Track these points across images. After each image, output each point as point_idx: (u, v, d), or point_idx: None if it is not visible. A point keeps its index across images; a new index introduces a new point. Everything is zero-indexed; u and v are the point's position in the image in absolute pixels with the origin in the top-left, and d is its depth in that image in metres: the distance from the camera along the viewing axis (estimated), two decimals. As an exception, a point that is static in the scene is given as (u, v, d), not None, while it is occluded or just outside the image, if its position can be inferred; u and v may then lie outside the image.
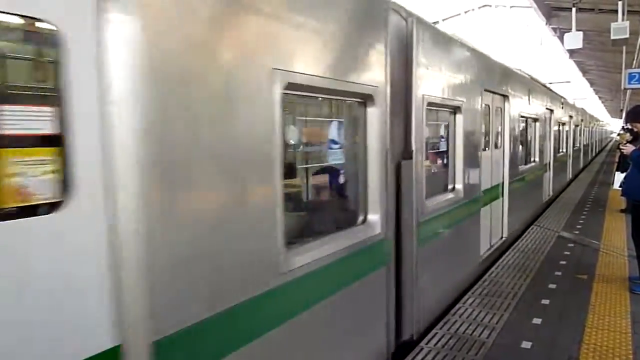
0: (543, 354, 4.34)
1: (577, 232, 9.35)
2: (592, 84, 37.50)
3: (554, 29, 16.76)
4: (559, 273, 6.69)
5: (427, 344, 4.52)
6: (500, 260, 7.35)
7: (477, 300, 5.67)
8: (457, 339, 4.63)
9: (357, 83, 3.55)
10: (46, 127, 1.68)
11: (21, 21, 1.63)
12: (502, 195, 8.05)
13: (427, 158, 5.05)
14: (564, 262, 7.22)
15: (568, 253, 7.77)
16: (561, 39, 14.61)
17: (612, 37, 10.57)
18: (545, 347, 4.47)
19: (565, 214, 11.36)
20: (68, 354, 1.71)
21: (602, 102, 54.76)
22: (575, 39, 11.85)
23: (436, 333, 4.75)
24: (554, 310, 5.35)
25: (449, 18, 12.55)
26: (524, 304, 5.53)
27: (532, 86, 10.36)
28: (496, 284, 6.26)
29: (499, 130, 7.81)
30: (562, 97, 17.04)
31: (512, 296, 5.78)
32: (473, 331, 4.80)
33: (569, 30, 12.29)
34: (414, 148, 4.43)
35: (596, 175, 20.96)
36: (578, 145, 21.74)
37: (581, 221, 10.46)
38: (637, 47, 15.01)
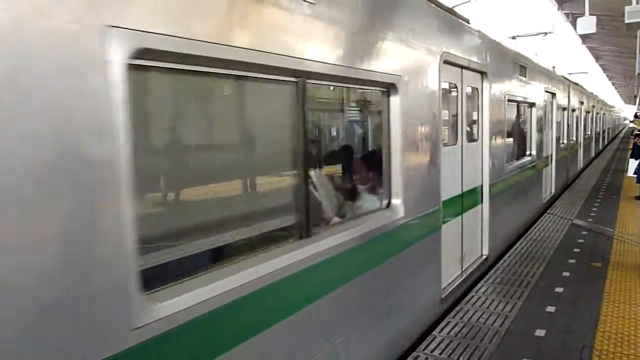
0: (557, 341, 4.31)
1: (591, 219, 9.26)
2: (605, 70, 36.92)
3: (566, 14, 16.47)
4: (573, 261, 6.64)
5: (440, 332, 4.52)
6: (513, 248, 7.32)
7: (490, 288, 5.64)
8: (470, 327, 4.62)
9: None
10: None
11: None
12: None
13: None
14: (577, 250, 7.16)
15: (582, 241, 7.70)
16: (574, 24, 14.36)
17: (626, 21, 10.32)
18: (559, 334, 4.44)
19: (578, 201, 11.25)
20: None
21: (616, 88, 53.92)
22: (588, 23, 11.58)
23: (449, 322, 4.75)
24: (568, 298, 5.31)
25: (458, 5, 12.37)
26: (537, 292, 5.50)
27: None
28: (509, 272, 6.22)
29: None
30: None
31: (525, 284, 5.75)
32: (486, 320, 4.78)
33: (582, 14, 12.05)
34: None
35: (610, 162, 20.71)
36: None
37: (595, 208, 10.36)
38: (652, 31, 14.68)
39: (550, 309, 5.03)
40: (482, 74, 6.19)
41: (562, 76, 14.45)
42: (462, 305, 5.18)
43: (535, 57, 13.03)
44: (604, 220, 9.10)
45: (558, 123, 12.01)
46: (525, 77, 8.40)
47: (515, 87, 7.85)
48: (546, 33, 16.49)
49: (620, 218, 9.35)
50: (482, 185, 6.34)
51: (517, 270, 6.30)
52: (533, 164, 9.29)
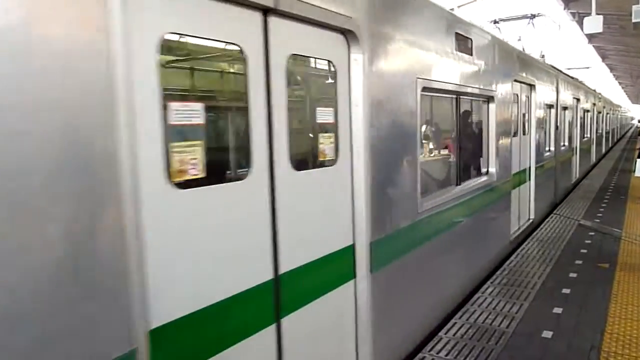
0: (564, 343, 4.29)
1: (598, 220, 9.20)
2: (611, 69, 36.72)
3: (573, 14, 16.39)
4: (580, 262, 6.60)
5: (446, 333, 4.50)
6: (520, 249, 7.28)
7: (496, 289, 5.62)
8: (476, 328, 4.60)
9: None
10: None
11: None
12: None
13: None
14: (584, 251, 7.11)
15: (589, 241, 7.65)
16: (580, 23, 14.29)
17: (634, 20, 10.29)
18: (566, 336, 4.41)
19: (585, 201, 11.18)
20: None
21: (623, 87, 53.62)
22: (595, 23, 11.54)
23: (455, 323, 4.73)
24: (575, 299, 5.28)
25: (464, 5, 12.26)
26: (544, 293, 5.46)
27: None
28: (515, 273, 6.19)
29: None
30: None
31: (532, 285, 5.71)
32: (493, 321, 4.76)
33: (589, 14, 11.99)
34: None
35: (617, 163, 20.58)
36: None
37: (602, 209, 10.29)
38: (660, 30, 14.55)
39: (557, 310, 5.00)
40: (347, 34, 3.28)
41: (550, 65, 11.65)
42: (468, 306, 5.16)
43: (519, 42, 11.27)
44: (611, 221, 9.03)
45: (540, 125, 9.26)
46: (470, 55, 5.45)
47: (446, 69, 4.87)
48: (533, 16, 12.95)
49: (627, 219, 9.28)
50: (353, 246, 3.42)
51: (524, 271, 6.27)
52: (491, 186, 6.29)
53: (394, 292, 3.87)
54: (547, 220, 9.28)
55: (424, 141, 5.77)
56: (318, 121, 3.24)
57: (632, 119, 74.70)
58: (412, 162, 4.15)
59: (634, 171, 13.20)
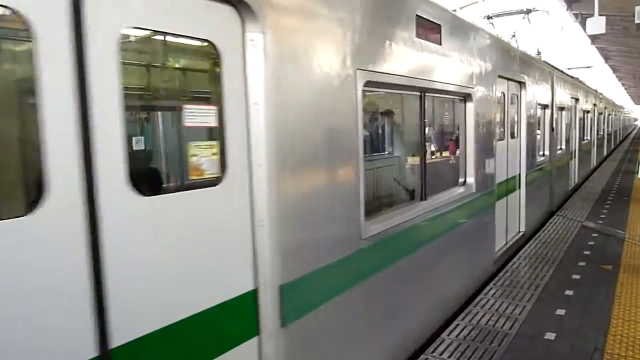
0: (567, 345, 4.27)
1: (601, 221, 9.17)
2: (614, 71, 36.66)
3: (575, 15, 16.36)
4: (583, 263, 6.58)
5: (448, 335, 4.49)
6: (522, 250, 7.26)
7: (498, 291, 5.60)
8: (479, 330, 4.59)
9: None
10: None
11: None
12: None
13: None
14: (588, 253, 7.09)
15: (592, 243, 7.63)
16: (583, 24, 14.27)
17: (637, 21, 10.28)
18: (569, 338, 4.40)
19: (588, 203, 11.15)
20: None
21: (625, 88, 53.51)
22: (597, 24, 11.53)
23: (458, 324, 4.72)
24: (578, 301, 5.26)
25: (466, 6, 12.23)
26: (547, 295, 5.45)
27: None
28: (518, 274, 6.17)
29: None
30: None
31: (534, 287, 5.70)
32: (495, 322, 4.75)
33: (591, 15, 11.98)
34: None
35: (620, 164, 20.52)
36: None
37: (605, 210, 10.26)
38: (663, 31, 14.51)
39: (560, 311, 4.98)
40: (237, 5, 2.40)
41: (544, 62, 10.76)
42: (471, 307, 5.15)
43: (513, 39, 10.77)
44: (614, 223, 9.00)
45: (532, 127, 8.33)
46: (439, 44, 4.54)
47: (403, 60, 3.95)
48: (529, 11, 11.81)
49: (631, 220, 9.25)
50: (256, 291, 2.58)
51: (527, 272, 6.25)
52: (468, 199, 5.39)
53: (320, 350, 2.93)
54: (549, 221, 9.25)
55: (426, 143, 5.64)
56: (188, 124, 2.29)
57: (635, 120, 74.61)
58: (350, 175, 3.22)
59: (637, 172, 13.17)
